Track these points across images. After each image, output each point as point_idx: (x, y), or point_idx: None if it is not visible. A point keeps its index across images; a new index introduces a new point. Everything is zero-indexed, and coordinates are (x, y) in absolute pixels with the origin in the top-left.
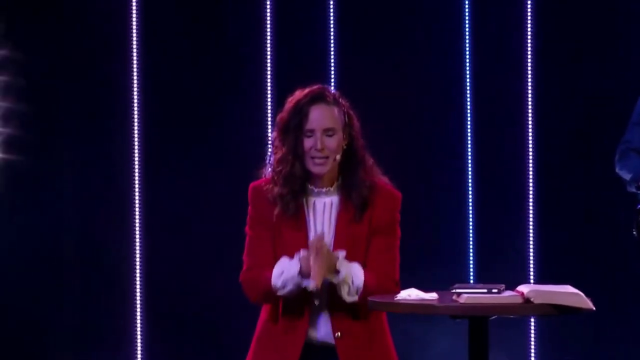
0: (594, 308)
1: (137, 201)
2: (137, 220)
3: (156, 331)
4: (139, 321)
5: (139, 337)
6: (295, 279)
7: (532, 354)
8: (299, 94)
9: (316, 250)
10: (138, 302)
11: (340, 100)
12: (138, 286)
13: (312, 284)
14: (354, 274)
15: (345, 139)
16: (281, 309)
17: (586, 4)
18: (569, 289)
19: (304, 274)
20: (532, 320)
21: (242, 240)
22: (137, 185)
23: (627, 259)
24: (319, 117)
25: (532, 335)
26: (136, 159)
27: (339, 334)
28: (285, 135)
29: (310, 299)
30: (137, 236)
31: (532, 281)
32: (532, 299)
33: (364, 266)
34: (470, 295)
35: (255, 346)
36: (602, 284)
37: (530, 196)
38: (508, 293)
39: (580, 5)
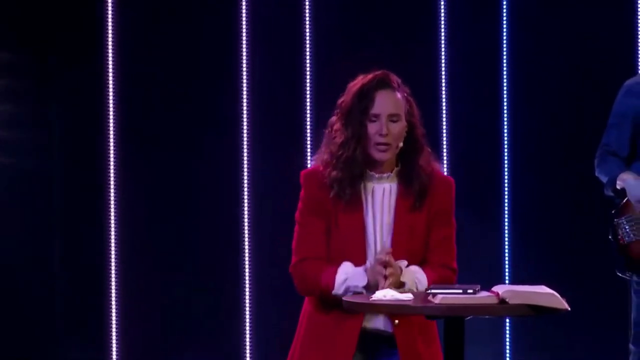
0: (569, 308)
1: (112, 203)
2: (112, 221)
3: (131, 328)
4: (114, 318)
5: (114, 334)
6: (358, 290)
7: (508, 354)
8: (362, 78)
9: (384, 264)
10: (113, 299)
11: (402, 86)
12: (114, 284)
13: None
14: (417, 281)
15: (406, 125)
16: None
17: (562, 7)
18: (544, 289)
19: (369, 286)
20: (508, 320)
21: (213, 242)
22: (112, 188)
23: (602, 259)
24: (385, 102)
25: (508, 335)
26: (111, 159)
27: (397, 321)
28: (348, 120)
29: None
30: (113, 236)
31: (507, 282)
32: (507, 300)
33: (424, 258)
34: (446, 295)
35: (304, 338)
36: (577, 285)
37: (506, 197)
38: (483, 293)
39: (555, 8)
